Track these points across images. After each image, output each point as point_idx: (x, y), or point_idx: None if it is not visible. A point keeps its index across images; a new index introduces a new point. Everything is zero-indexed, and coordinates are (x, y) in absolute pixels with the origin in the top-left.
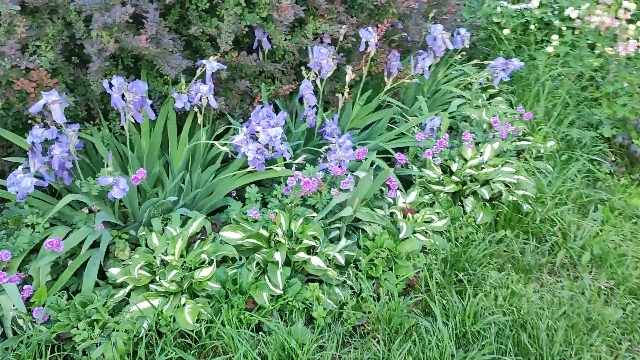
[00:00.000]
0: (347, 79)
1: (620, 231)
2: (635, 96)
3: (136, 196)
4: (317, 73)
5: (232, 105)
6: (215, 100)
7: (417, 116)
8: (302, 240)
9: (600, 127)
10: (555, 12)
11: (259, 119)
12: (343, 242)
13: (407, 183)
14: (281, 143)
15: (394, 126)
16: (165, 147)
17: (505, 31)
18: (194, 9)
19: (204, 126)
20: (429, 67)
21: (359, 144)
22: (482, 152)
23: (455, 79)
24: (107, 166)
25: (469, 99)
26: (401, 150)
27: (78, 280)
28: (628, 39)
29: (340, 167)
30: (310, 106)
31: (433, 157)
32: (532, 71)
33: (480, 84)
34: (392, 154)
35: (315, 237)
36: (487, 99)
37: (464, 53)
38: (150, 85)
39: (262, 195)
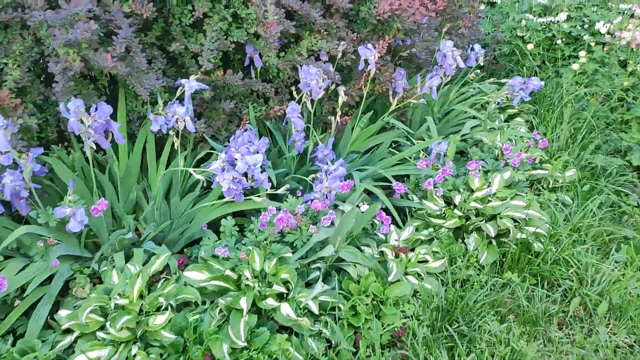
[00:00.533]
0: (340, 100)
1: None
2: None
3: (105, 226)
4: (310, 93)
5: (216, 127)
6: (197, 121)
7: (423, 139)
8: (273, 284)
9: (629, 153)
10: (585, 26)
11: (238, 145)
12: (319, 286)
13: (406, 216)
14: (262, 171)
15: (396, 151)
16: (147, 171)
17: (530, 46)
18: (177, 24)
19: (185, 149)
20: (439, 87)
21: (357, 170)
22: (490, 183)
23: (471, 98)
24: (68, 195)
25: (484, 121)
26: (402, 177)
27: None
28: None
29: (327, 197)
30: (297, 130)
31: (435, 187)
32: (557, 90)
33: (498, 103)
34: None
35: (286, 282)
36: (506, 120)
37: (483, 69)
38: (129, 105)
39: (238, 230)
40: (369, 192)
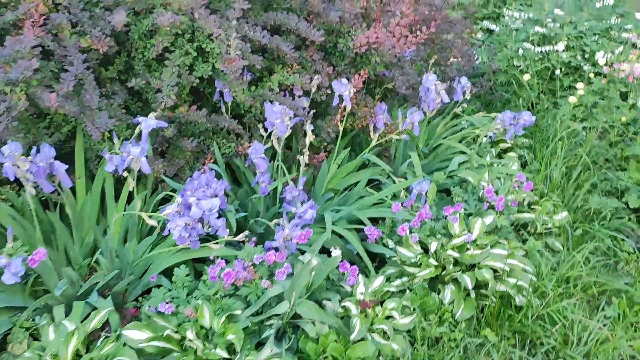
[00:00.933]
0: (307, 140)
1: (637, 334)
2: None
3: (53, 273)
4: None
5: (179, 166)
6: (159, 160)
7: (406, 177)
8: (217, 346)
9: (627, 194)
10: (586, 56)
11: (194, 188)
12: (268, 350)
13: (383, 261)
14: (219, 217)
15: (373, 191)
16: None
17: (526, 77)
18: (139, 58)
19: (146, 188)
20: (427, 121)
21: (333, 210)
22: (469, 229)
23: (462, 131)
24: (8, 242)
25: (472, 157)
26: (379, 220)
27: None
28: None
29: (288, 245)
30: (261, 172)
31: (411, 232)
32: (554, 123)
33: (490, 137)
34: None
35: (230, 344)
36: (498, 155)
37: (479, 99)
38: (87, 143)
39: (195, 278)
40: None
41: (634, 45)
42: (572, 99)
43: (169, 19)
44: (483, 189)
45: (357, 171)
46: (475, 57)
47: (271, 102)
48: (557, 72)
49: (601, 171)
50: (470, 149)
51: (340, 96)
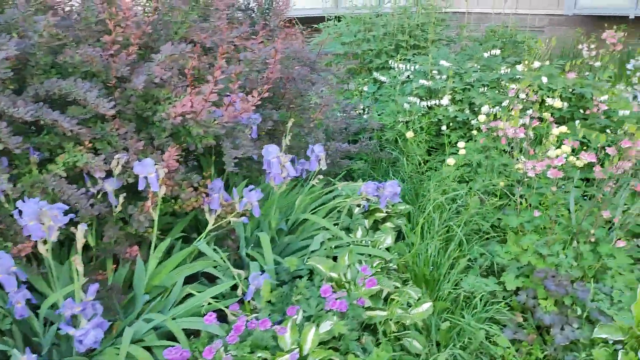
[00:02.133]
0: (79, 245)
1: None
2: (549, 233)
3: None
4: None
5: None
6: None
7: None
8: None
9: (505, 273)
10: (475, 109)
11: None
12: None
13: None
14: None
15: (206, 287)
16: None
17: (409, 134)
18: None
19: None
20: (287, 192)
21: (145, 320)
22: (300, 343)
23: (335, 200)
24: None
25: (340, 233)
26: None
27: None
28: (543, 153)
29: None
30: (9, 292)
31: (226, 351)
32: (440, 186)
33: (363, 206)
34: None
35: None
36: (372, 226)
37: (365, 157)
38: None
39: None
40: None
41: (518, 97)
42: (450, 161)
43: None
44: (334, 281)
45: (194, 261)
46: (363, 111)
47: (52, 191)
48: (444, 127)
49: (481, 243)
50: (338, 223)
51: (147, 178)
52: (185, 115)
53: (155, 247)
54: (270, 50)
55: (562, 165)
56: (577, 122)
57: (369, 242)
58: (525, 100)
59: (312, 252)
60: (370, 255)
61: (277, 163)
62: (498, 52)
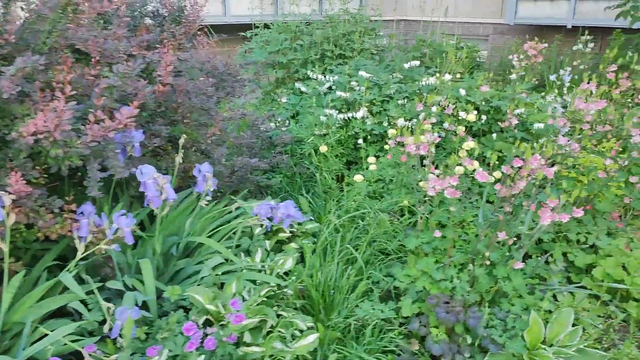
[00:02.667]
0: None
1: None
2: (446, 257)
3: None
4: None
5: None
6: None
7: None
8: None
9: (402, 298)
10: (393, 122)
11: None
12: None
13: None
14: None
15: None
16: None
17: (323, 148)
18: None
19: None
20: (176, 214)
21: None
22: None
23: (236, 221)
24: None
25: (233, 257)
26: None
27: None
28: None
29: None
30: None
31: None
32: (348, 204)
33: (265, 227)
34: None
35: None
36: (274, 248)
37: (280, 171)
38: None
39: None
40: None
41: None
42: (358, 177)
43: None
44: (210, 313)
45: (62, 294)
46: (280, 123)
47: None
48: (361, 140)
49: (385, 265)
50: (240, 244)
51: None
52: (38, 135)
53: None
54: (171, 59)
55: (462, 182)
56: (494, 135)
57: (267, 266)
58: (444, 114)
59: (202, 278)
60: (263, 281)
61: (152, 185)
62: (417, 63)
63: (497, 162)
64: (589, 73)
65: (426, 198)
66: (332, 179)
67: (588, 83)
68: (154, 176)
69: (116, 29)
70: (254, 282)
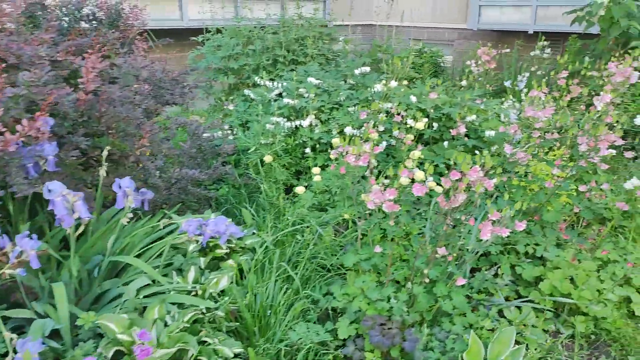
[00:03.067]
0: None
1: None
2: (387, 274)
3: None
4: None
5: None
6: None
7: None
8: None
9: (340, 319)
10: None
11: None
12: None
13: None
14: None
15: None
16: None
17: (267, 158)
18: None
19: None
20: (103, 230)
21: None
22: None
23: (169, 237)
24: None
25: (158, 277)
26: None
27: None
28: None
29: None
30: None
31: None
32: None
33: (200, 243)
34: None
35: None
36: (209, 265)
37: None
38: None
39: None
40: None
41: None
42: (299, 189)
43: None
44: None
45: None
46: (224, 132)
47: None
48: (308, 150)
49: (326, 282)
50: (170, 264)
51: None
52: None
53: None
54: (96, 64)
55: (404, 194)
56: (445, 143)
57: (198, 286)
58: (394, 122)
59: (125, 302)
60: (187, 304)
61: (61, 203)
62: (367, 69)
63: (447, 172)
64: (539, 80)
65: (367, 212)
66: (279, 189)
67: (537, 90)
68: (62, 193)
69: (42, 33)
70: (181, 305)
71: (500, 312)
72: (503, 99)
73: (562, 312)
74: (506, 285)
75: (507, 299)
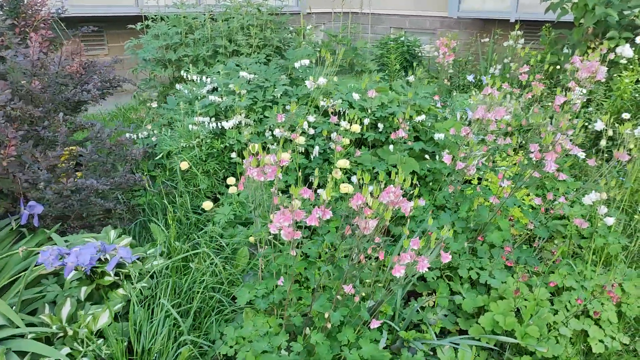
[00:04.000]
0: None
1: None
2: (284, 317)
3: None
4: None
5: None
6: None
7: None
8: None
9: None
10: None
11: None
12: None
13: None
14: None
15: None
16: None
17: (183, 164)
18: None
19: None
20: None
21: None
22: None
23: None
24: None
25: (15, 318)
26: None
27: None
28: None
29: None
30: None
31: None
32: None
33: (84, 270)
34: None
35: None
36: (94, 295)
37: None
38: None
39: None
40: None
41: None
42: (206, 204)
43: None
44: None
45: None
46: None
47: None
48: (234, 154)
49: (225, 319)
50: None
51: None
52: None
53: None
54: None
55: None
56: (391, 147)
57: (69, 326)
58: (331, 123)
59: None
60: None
61: None
62: (307, 62)
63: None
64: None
65: (270, 236)
66: (202, 198)
67: (493, 87)
68: None
69: None
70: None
71: (434, 351)
72: (468, 93)
73: (506, 351)
74: (440, 320)
75: (445, 332)
